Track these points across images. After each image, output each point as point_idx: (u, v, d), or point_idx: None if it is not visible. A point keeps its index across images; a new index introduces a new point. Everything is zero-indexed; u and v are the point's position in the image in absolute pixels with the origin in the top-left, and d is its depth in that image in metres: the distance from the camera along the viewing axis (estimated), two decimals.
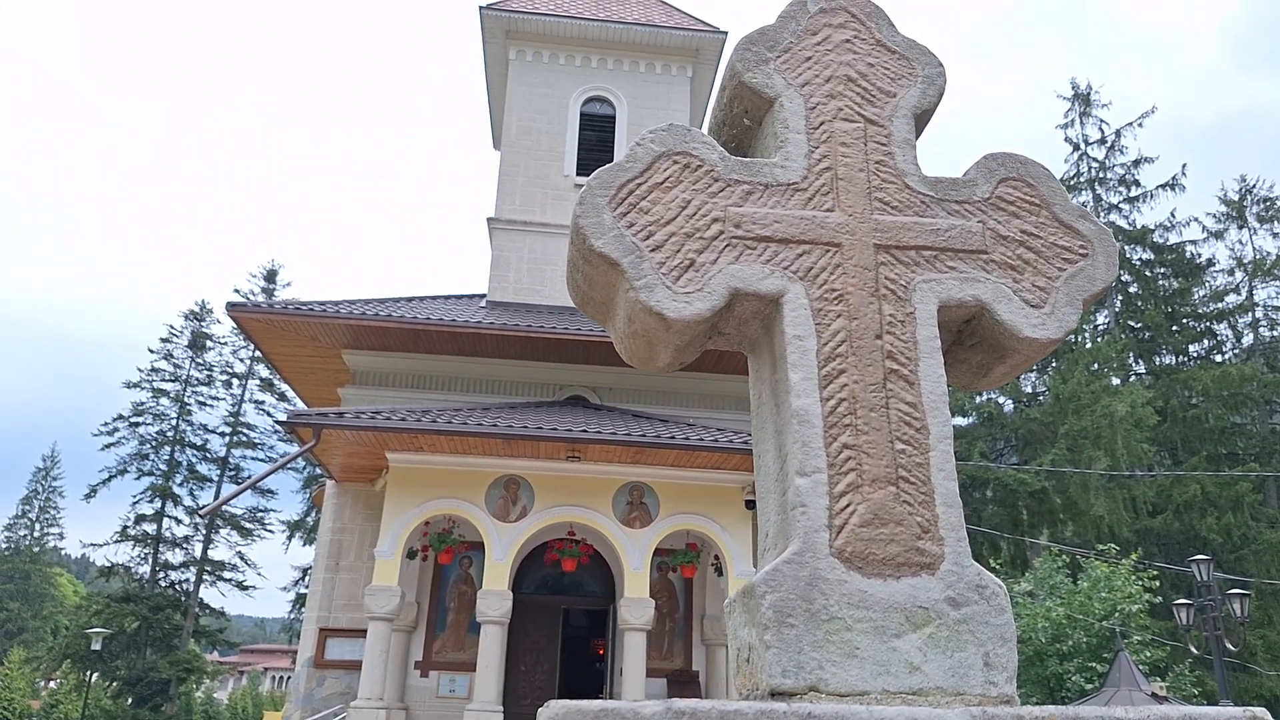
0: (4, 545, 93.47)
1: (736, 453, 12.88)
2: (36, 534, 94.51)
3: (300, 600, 40.85)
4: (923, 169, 1.66)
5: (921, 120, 1.68)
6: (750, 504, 13.65)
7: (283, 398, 48.83)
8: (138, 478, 46.88)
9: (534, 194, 17.64)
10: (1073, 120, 39.48)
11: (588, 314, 1.60)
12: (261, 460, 48.70)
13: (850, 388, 1.44)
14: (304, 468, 41.57)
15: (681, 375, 15.87)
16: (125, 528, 45.26)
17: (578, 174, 17.81)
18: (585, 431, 12.61)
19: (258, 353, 48.11)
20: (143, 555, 45.45)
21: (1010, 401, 34.17)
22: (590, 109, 18.32)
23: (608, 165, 1.53)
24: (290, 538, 43.55)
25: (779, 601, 1.31)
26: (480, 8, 18.09)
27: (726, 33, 18.85)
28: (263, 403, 49.47)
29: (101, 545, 45.52)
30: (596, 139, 18.12)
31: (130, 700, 42.33)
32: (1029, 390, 34.68)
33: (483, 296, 17.67)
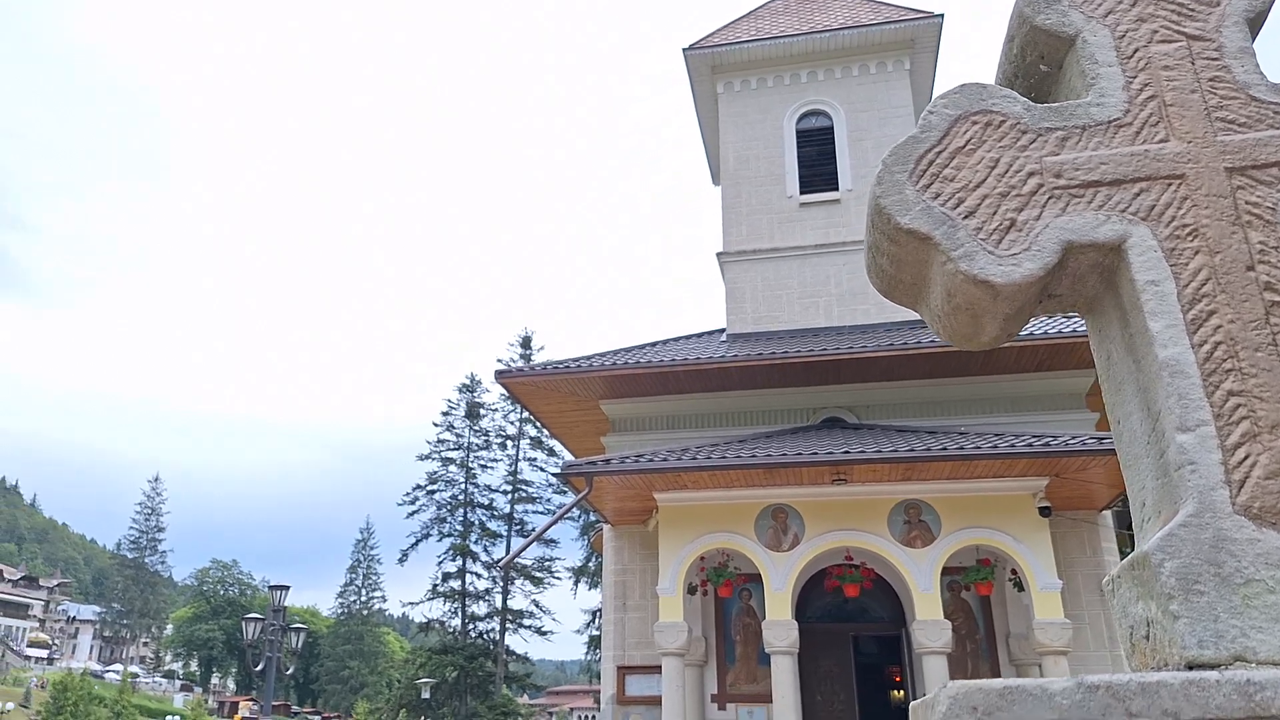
0: (340, 611, 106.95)
1: (1021, 458, 11.92)
2: (364, 598, 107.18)
3: (593, 642, 42.92)
4: (1269, 77, 1.44)
5: (1256, 23, 1.46)
6: (1045, 511, 12.53)
7: (552, 453, 52.20)
8: (440, 539, 51.99)
9: (759, 221, 17.68)
10: None
11: (895, 299, 1.54)
12: (541, 513, 52.17)
13: (1225, 329, 1.26)
14: (579, 516, 43.99)
15: (946, 383, 15.03)
16: (435, 585, 50.24)
17: (801, 192, 17.64)
18: (849, 452, 12.25)
19: (525, 414, 51.93)
20: (453, 609, 50.15)
21: None
22: (806, 124, 18.13)
23: (900, 141, 1.47)
24: (576, 583, 46.09)
25: (1181, 569, 1.16)
26: (684, 50, 18.61)
27: (942, 15, 17.98)
28: (535, 459, 53.20)
29: (418, 603, 50.79)
30: (816, 153, 17.87)
31: None
32: None
33: (722, 331, 17.88)
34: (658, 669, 13.85)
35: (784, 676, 12.33)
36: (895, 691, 17.40)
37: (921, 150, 1.41)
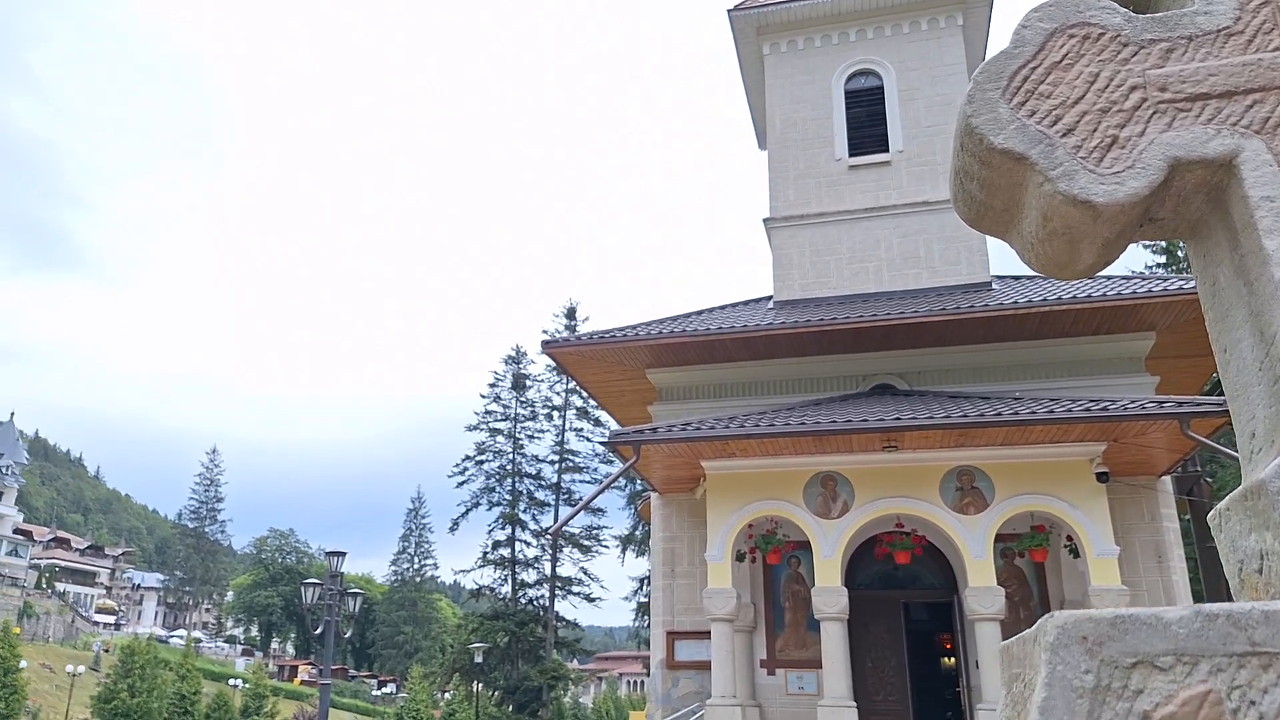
0: (394, 578, 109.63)
1: (1079, 422, 11.66)
2: (416, 566, 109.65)
3: (641, 609, 43.38)
4: None
5: None
6: (1103, 476, 12.27)
7: (598, 423, 52.51)
8: (489, 508, 52.83)
9: (806, 185, 17.39)
10: None
11: (983, 228, 1.47)
12: (587, 482, 52.66)
13: None
14: (625, 485, 44.31)
15: (1000, 348, 14.73)
16: (485, 553, 51.19)
17: (849, 155, 17.29)
18: (900, 419, 12.10)
19: (572, 384, 52.30)
20: (503, 576, 51.08)
21: None
22: (855, 85, 17.72)
23: (990, 57, 1.40)
24: (624, 550, 46.55)
25: None
26: (729, 11, 18.27)
27: None
28: (581, 429, 53.62)
29: (469, 570, 51.83)
30: (865, 114, 17.47)
31: (510, 707, 47.46)
32: None
33: (770, 298, 17.71)
34: (706, 634, 13.94)
35: (834, 642, 12.32)
36: (946, 658, 17.30)
37: (1015, 66, 1.34)
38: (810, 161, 17.46)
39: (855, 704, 12.12)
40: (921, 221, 16.36)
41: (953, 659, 16.02)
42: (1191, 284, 13.56)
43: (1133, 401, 11.92)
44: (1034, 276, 16.22)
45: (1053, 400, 12.54)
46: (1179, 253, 33.97)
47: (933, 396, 14.08)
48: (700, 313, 17.23)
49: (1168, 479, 14.20)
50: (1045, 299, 13.68)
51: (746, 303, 18.07)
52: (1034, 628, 1.11)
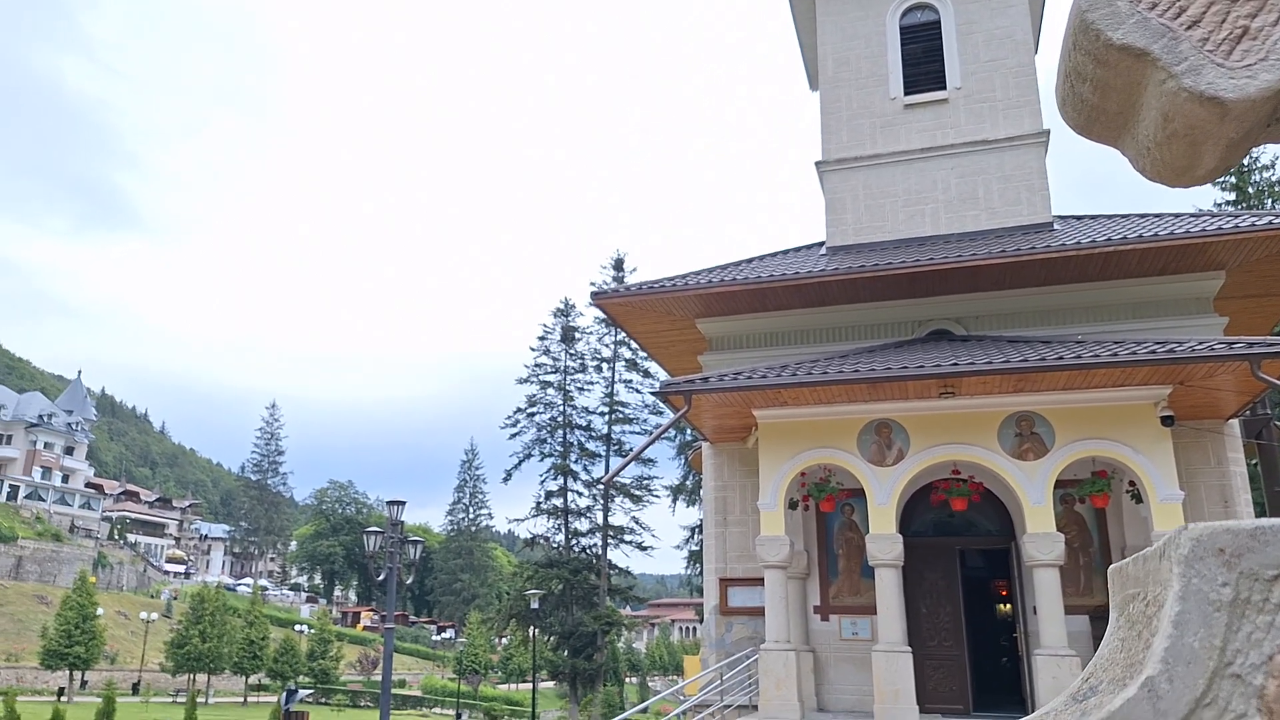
0: (450, 528, 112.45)
1: (1144, 365, 11.33)
2: (471, 516, 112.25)
3: (693, 557, 43.92)
4: None
5: None
6: (1167, 420, 11.95)
7: (648, 374, 52.69)
8: (541, 459, 53.61)
9: (860, 126, 16.94)
10: None
11: (1093, 134, 1.39)
12: (638, 433, 53.05)
13: None
14: (675, 436, 44.54)
15: (1062, 290, 14.35)
16: (538, 503, 52.12)
17: (905, 94, 16.75)
18: (958, 364, 11.87)
19: (621, 336, 52.40)
20: (556, 525, 52.02)
21: None
22: (910, 20, 17.09)
23: None
24: (674, 500, 46.96)
25: None
26: None
27: None
28: (630, 381, 53.86)
29: (522, 520, 52.85)
30: (921, 51, 16.86)
31: (566, 651, 48.71)
32: None
33: (822, 244, 17.42)
34: (759, 581, 14.05)
35: (888, 589, 12.32)
36: (1002, 605, 17.23)
37: None
38: (864, 102, 16.98)
39: (910, 649, 12.15)
40: (980, 161, 15.86)
41: (1009, 605, 15.94)
42: (1265, 220, 12.97)
43: (1200, 343, 11.52)
44: (1096, 216, 15.66)
45: (1116, 343, 12.18)
46: (1249, 189, 32.53)
47: (991, 341, 13.78)
48: (751, 260, 17.02)
49: (1235, 422, 13.78)
50: (1110, 239, 13.22)
51: (798, 249, 17.79)
52: (1160, 543, 1.06)
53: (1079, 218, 15.93)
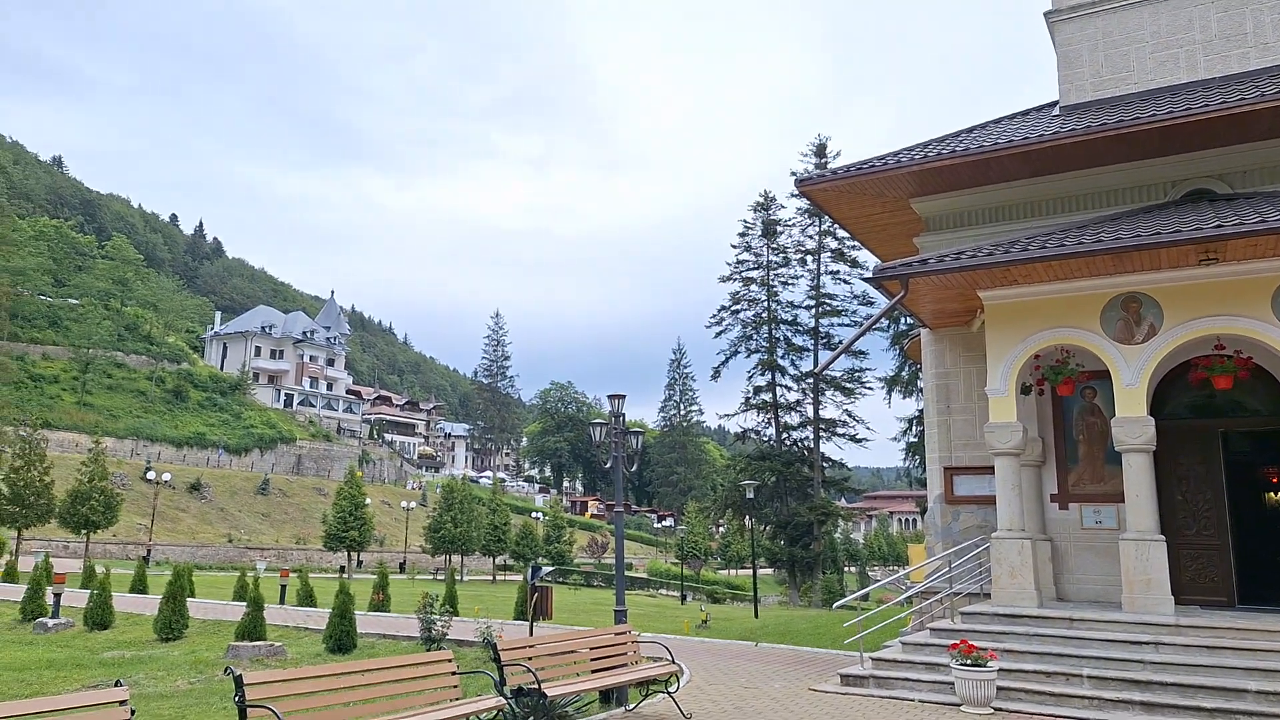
0: (663, 424, 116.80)
1: None
2: (682, 412, 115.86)
3: (911, 449, 42.89)
4: None
5: None
6: None
7: (854, 264, 50.97)
8: (747, 356, 53.92)
9: None
10: None
11: None
12: (846, 325, 51.85)
13: None
14: (888, 326, 43.07)
15: None
16: (747, 398, 52.71)
17: None
18: (1222, 226, 10.46)
19: (825, 226, 50.74)
20: (766, 420, 52.57)
21: None
22: None
23: None
24: (889, 392, 45.77)
25: None
26: None
27: None
28: (837, 272, 52.40)
29: (732, 415, 53.76)
30: None
31: (783, 540, 49.82)
32: None
33: (1053, 105, 15.74)
34: (987, 470, 13.51)
35: (1139, 475, 11.45)
36: (1272, 493, 15.56)
37: None
38: None
39: (1164, 538, 11.32)
40: None
41: None
42: None
43: None
44: None
45: None
46: None
47: (1262, 199, 12.02)
48: (972, 130, 15.72)
49: None
50: None
51: (1025, 113, 16.20)
52: None
53: None
